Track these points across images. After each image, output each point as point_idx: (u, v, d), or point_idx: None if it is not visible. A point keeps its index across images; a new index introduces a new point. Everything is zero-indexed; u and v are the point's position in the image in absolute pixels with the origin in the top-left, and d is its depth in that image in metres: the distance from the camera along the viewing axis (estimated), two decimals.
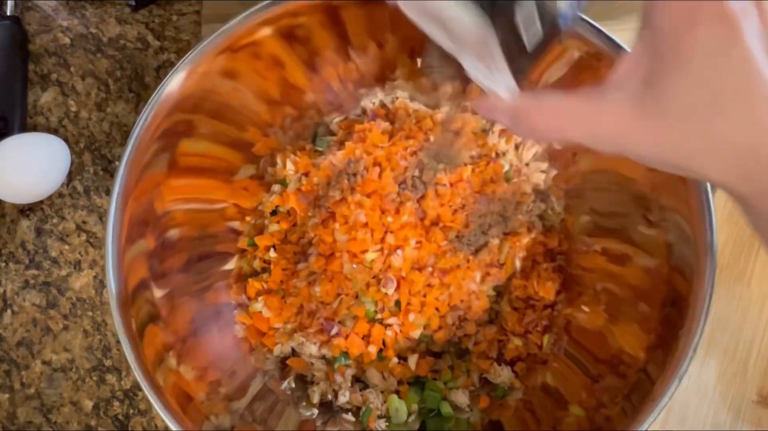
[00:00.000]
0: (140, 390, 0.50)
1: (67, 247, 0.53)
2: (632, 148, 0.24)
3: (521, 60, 0.26)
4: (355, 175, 0.45)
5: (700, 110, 0.23)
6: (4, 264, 0.53)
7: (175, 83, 0.39)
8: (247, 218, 0.48)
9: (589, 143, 0.25)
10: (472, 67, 0.25)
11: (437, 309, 0.45)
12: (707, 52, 0.22)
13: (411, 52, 0.47)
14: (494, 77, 0.26)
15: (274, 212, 0.48)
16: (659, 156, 0.24)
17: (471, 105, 0.45)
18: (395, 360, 0.46)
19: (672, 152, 0.24)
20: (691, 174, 0.24)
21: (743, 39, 0.22)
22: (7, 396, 0.51)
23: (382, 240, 0.44)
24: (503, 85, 0.26)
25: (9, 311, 0.52)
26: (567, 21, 0.26)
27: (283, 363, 0.47)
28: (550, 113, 0.25)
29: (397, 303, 0.45)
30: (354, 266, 0.44)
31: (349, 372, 0.46)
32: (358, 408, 0.46)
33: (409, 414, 0.46)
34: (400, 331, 0.45)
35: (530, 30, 0.25)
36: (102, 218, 0.54)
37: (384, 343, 0.45)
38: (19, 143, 0.51)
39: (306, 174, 0.47)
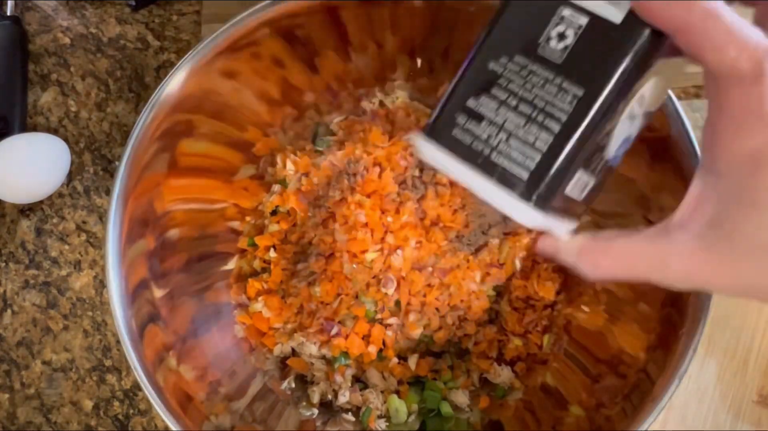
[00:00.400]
0: (140, 390, 0.50)
1: (67, 247, 0.53)
2: (703, 285, 0.24)
3: (577, 206, 0.26)
4: (355, 175, 0.45)
5: None
6: (4, 264, 0.53)
7: (175, 83, 0.39)
8: (247, 218, 0.48)
9: (658, 282, 0.25)
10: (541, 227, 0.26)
11: (437, 309, 0.45)
12: None
13: (411, 52, 0.47)
14: (560, 224, 0.26)
15: (274, 212, 0.48)
16: (735, 291, 0.24)
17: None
18: (395, 360, 0.46)
19: (747, 288, 0.24)
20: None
21: None
22: (7, 396, 0.51)
23: (382, 240, 0.44)
24: (563, 228, 0.26)
25: (9, 311, 0.52)
26: (617, 161, 0.26)
27: (283, 363, 0.47)
28: (615, 254, 0.26)
29: (397, 303, 0.45)
30: (354, 266, 0.44)
31: (349, 372, 0.46)
32: (358, 408, 0.46)
33: (409, 414, 0.46)
34: (400, 331, 0.45)
35: (583, 186, 0.25)
36: (102, 218, 0.54)
37: (384, 343, 0.45)
38: (19, 143, 0.51)
39: (306, 174, 0.47)
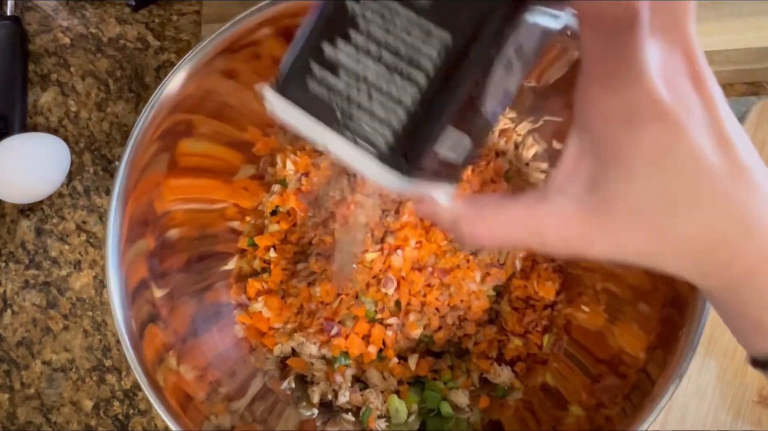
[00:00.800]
0: (140, 390, 0.50)
1: (67, 247, 0.53)
2: (583, 251, 0.23)
3: (454, 168, 0.24)
4: (355, 175, 0.45)
5: (649, 213, 0.21)
6: (4, 264, 0.53)
7: (175, 83, 0.39)
8: (247, 218, 0.48)
9: (536, 249, 0.24)
10: (418, 191, 0.23)
11: (437, 309, 0.45)
12: (650, 154, 0.20)
13: None
14: (438, 188, 0.24)
15: (274, 212, 0.48)
16: (612, 257, 0.23)
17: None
18: (395, 360, 0.46)
19: (625, 253, 0.23)
20: (651, 269, 0.23)
21: (687, 135, 0.20)
22: (7, 396, 0.51)
23: (382, 240, 0.44)
24: (440, 191, 0.24)
25: (9, 311, 0.52)
26: (495, 118, 0.24)
27: (283, 363, 0.47)
28: (491, 222, 0.24)
29: (397, 303, 0.45)
30: (354, 266, 0.44)
31: (349, 372, 0.46)
32: (358, 408, 0.46)
33: (409, 414, 0.46)
34: (400, 331, 0.45)
35: (458, 147, 0.23)
36: (102, 218, 0.54)
37: (384, 343, 0.45)
38: (19, 143, 0.51)
39: (306, 174, 0.47)
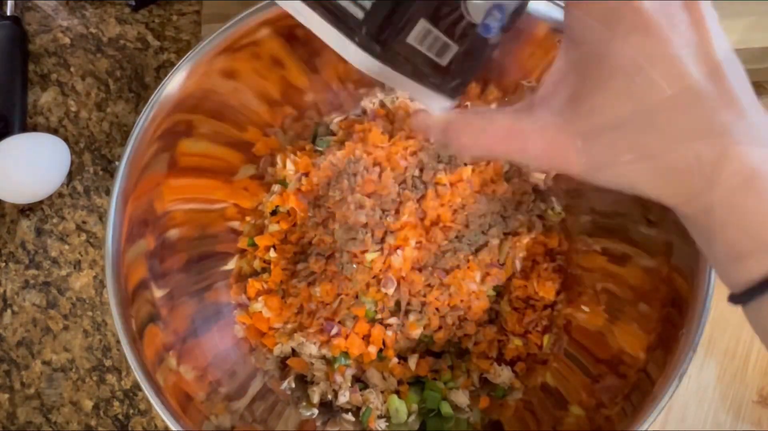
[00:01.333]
0: (140, 390, 0.50)
1: (67, 247, 0.53)
2: (563, 166, 0.23)
3: (448, 75, 0.24)
4: (355, 175, 0.45)
5: (628, 128, 0.21)
6: (4, 264, 0.53)
7: (175, 83, 0.39)
8: (247, 218, 0.48)
9: (518, 161, 0.24)
10: (403, 87, 0.25)
11: (437, 309, 0.45)
12: (629, 66, 0.20)
13: None
14: (427, 95, 0.25)
15: (274, 212, 0.48)
16: (592, 174, 0.23)
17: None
18: (395, 360, 0.46)
19: (604, 170, 0.22)
20: (631, 191, 0.23)
21: (669, 50, 0.20)
22: (7, 396, 0.51)
23: (382, 240, 0.44)
24: (436, 102, 0.25)
25: (9, 311, 0.52)
26: (491, 33, 0.24)
27: (283, 363, 0.47)
28: (477, 131, 0.24)
29: (397, 303, 0.45)
30: (354, 266, 0.44)
31: (349, 372, 0.46)
32: (358, 408, 0.46)
33: (409, 414, 0.46)
34: (400, 331, 0.45)
35: (438, 48, 0.23)
36: (102, 218, 0.54)
37: (384, 343, 0.45)
38: (19, 143, 0.51)
39: (306, 174, 0.47)
